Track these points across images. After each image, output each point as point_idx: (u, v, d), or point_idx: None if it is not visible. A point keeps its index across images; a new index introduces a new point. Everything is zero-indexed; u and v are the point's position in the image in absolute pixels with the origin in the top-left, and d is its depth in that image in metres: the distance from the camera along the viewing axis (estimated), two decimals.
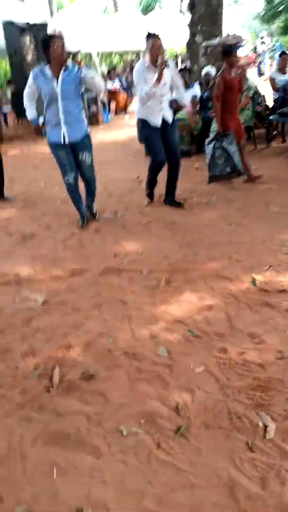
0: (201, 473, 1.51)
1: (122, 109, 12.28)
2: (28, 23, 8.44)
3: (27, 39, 8.46)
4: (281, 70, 6.70)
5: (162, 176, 4.30)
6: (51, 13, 16.21)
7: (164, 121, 3.94)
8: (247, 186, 4.76)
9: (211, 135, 4.90)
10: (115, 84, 12.10)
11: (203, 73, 6.90)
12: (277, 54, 9.81)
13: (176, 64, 13.52)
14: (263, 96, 6.84)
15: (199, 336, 2.30)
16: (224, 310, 2.52)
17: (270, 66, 15.75)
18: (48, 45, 3.30)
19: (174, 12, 20.08)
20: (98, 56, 12.55)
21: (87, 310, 2.63)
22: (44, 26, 8.79)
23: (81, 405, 1.89)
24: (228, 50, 4.43)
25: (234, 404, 1.80)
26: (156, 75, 3.69)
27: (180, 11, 8.90)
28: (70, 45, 3.41)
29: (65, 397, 1.95)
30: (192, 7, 7.53)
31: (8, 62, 10.51)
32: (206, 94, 6.51)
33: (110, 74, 12.34)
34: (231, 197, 4.49)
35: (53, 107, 3.44)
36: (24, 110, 3.71)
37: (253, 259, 3.11)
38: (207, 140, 4.69)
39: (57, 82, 3.36)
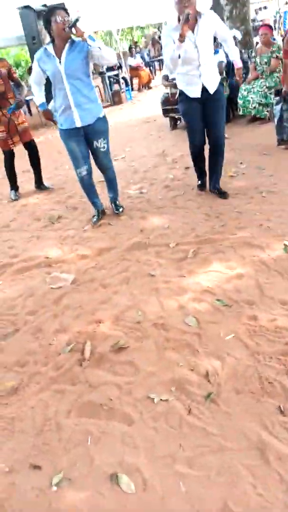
0: (231, 437, 1.50)
1: (145, 85, 12.04)
2: (45, 5, 8.31)
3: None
4: None
5: None
6: None
7: (205, 91, 3.24)
8: (280, 153, 4.56)
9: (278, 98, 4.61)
10: (136, 60, 11.87)
11: None
12: None
13: None
14: None
15: (229, 305, 2.26)
16: (254, 278, 2.46)
17: None
18: (49, 19, 2.92)
19: None
20: (118, 34, 12.31)
21: (115, 286, 2.65)
22: (61, 5, 8.61)
23: (112, 376, 1.92)
24: None
25: (265, 369, 1.76)
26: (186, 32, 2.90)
27: None
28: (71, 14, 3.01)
29: (96, 369, 1.99)
30: None
31: (28, 50, 10.52)
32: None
33: (131, 50, 12.09)
34: (261, 164, 4.32)
35: (60, 89, 3.06)
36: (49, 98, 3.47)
37: (284, 227, 2.99)
38: (275, 101, 4.52)
39: (60, 60, 2.98)
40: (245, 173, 4.18)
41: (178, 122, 6.69)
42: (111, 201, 3.73)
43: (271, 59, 5.75)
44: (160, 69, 14.22)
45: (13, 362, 2.15)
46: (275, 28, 11.85)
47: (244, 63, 6.32)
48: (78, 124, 3.14)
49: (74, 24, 2.79)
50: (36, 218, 4.05)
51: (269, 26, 5.92)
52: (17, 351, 2.22)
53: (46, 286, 2.80)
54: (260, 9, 15.45)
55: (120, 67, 10.90)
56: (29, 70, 11.53)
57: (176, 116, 6.54)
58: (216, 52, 6.32)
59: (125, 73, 11.17)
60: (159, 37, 15.63)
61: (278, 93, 4.67)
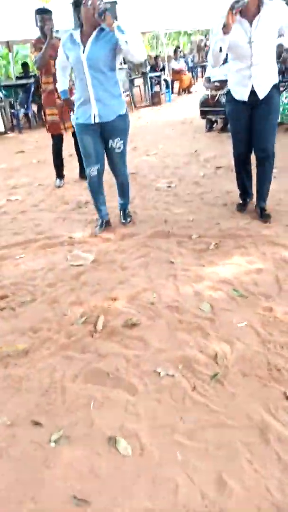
0: (233, 415, 1.49)
1: (186, 89, 12.09)
2: None
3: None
4: None
5: None
6: None
7: (254, 95, 2.81)
8: None
9: None
10: (180, 64, 11.94)
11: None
12: None
13: None
14: None
15: (245, 296, 2.25)
16: (274, 274, 2.44)
17: None
18: (79, 2, 2.65)
19: None
20: (165, 37, 12.44)
21: (134, 269, 2.68)
22: (113, 4, 8.65)
23: (122, 348, 1.94)
24: None
25: (275, 357, 1.75)
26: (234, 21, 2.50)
27: None
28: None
29: (107, 341, 2.01)
30: None
31: None
32: (278, 67, 6.22)
33: (176, 53, 12.18)
34: None
35: (82, 79, 2.76)
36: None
37: None
38: None
39: (84, 48, 2.69)
40: (276, 176, 4.13)
41: (215, 124, 6.69)
42: (120, 208, 3.40)
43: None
44: (203, 76, 14.26)
45: (27, 327, 2.20)
46: None
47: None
48: (97, 119, 2.83)
49: (104, 11, 2.52)
50: (65, 202, 4.12)
51: None
52: (32, 318, 2.27)
53: (67, 263, 2.85)
54: None
55: (163, 69, 11.00)
56: None
57: (213, 119, 6.55)
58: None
59: (167, 75, 11.26)
60: (205, 45, 15.69)
61: None
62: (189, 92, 12.06)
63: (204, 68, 14.11)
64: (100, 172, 3.08)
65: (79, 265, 2.80)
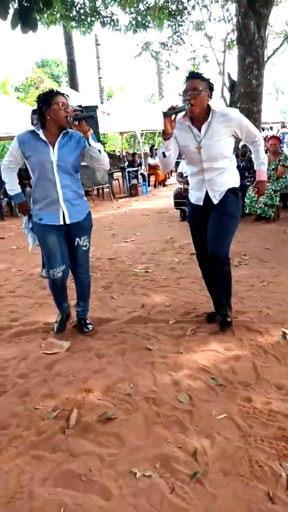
0: None
1: (161, 183, 12.97)
2: (80, 105, 9.38)
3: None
4: None
5: None
6: (101, 102, 18.17)
7: (209, 199, 2.70)
8: (283, 249, 4.76)
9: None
10: (155, 160, 12.95)
11: (240, 144, 7.23)
12: None
13: None
14: None
15: (223, 385, 2.20)
16: (251, 361, 2.43)
17: None
18: (49, 102, 2.53)
19: (215, 97, 21.87)
20: (142, 137, 13.64)
21: (110, 356, 2.62)
22: (94, 107, 9.69)
23: (96, 447, 1.82)
24: None
25: (256, 452, 1.67)
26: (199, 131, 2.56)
27: (221, 96, 9.54)
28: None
29: (80, 438, 1.89)
30: (232, 88, 8.12)
31: None
32: (243, 164, 6.85)
33: (152, 151, 13.27)
34: (264, 257, 4.49)
35: (47, 180, 2.62)
36: None
37: (284, 315, 3.02)
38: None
39: (53, 149, 2.59)
40: (248, 263, 4.32)
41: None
42: (79, 316, 3.05)
43: (279, 166, 6.29)
44: (176, 171, 15.41)
45: None
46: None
47: (253, 169, 6.90)
48: (67, 221, 2.71)
49: (83, 118, 2.52)
50: (42, 287, 4.12)
51: (277, 138, 6.56)
52: (1, 413, 2.14)
53: (40, 351, 2.77)
54: (265, 129, 17.19)
55: (140, 164, 11.88)
56: None
57: (186, 209, 6.94)
58: None
59: (144, 170, 12.13)
60: None
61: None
62: (164, 185, 12.93)
63: (177, 164, 15.32)
64: (66, 273, 2.84)
65: (54, 353, 2.72)
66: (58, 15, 9.65)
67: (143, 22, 9.77)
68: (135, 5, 9.42)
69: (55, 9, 9.16)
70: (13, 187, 2.85)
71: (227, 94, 8.69)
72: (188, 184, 6.63)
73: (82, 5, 9.55)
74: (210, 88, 2.55)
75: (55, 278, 2.81)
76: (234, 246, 4.88)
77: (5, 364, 2.64)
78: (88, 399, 2.19)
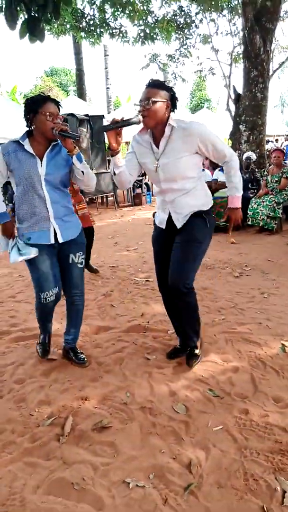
0: None
1: None
2: (87, 115, 9.48)
3: (84, 128, 9.39)
4: None
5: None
6: (108, 112, 18.36)
7: (171, 224, 2.38)
8: (284, 261, 4.75)
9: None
10: None
11: (244, 157, 7.28)
12: None
13: None
14: None
15: (221, 396, 2.19)
16: (249, 373, 2.41)
17: None
18: (36, 110, 2.24)
19: (220, 109, 22.07)
20: None
21: (108, 365, 2.60)
22: (100, 116, 9.80)
23: (90, 455, 1.80)
24: None
25: (252, 465, 1.65)
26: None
27: (227, 109, 9.69)
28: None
29: (74, 446, 1.88)
30: (237, 101, 8.22)
31: None
32: (246, 176, 6.88)
33: None
34: (266, 269, 4.48)
35: (33, 196, 2.33)
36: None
37: (284, 328, 3.01)
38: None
39: (41, 162, 2.31)
40: (249, 275, 4.32)
41: None
42: (69, 345, 2.73)
43: (282, 178, 6.31)
44: None
45: None
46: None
47: (257, 181, 6.94)
48: (59, 239, 2.42)
49: (67, 137, 2.20)
50: None
51: (281, 151, 6.59)
52: None
53: (38, 358, 2.76)
54: (270, 141, 17.31)
55: (144, 174, 11.95)
56: None
57: None
58: (221, 169, 6.92)
59: (148, 180, 12.20)
60: None
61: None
62: None
63: None
64: (58, 296, 2.52)
65: (52, 360, 2.71)
66: (68, 26, 9.82)
67: (151, 34, 9.94)
68: (144, 17, 9.59)
69: (65, 20, 9.33)
70: None
71: (233, 107, 8.78)
72: None
73: (92, 17, 9.73)
74: (172, 98, 2.21)
75: (47, 303, 2.48)
76: (237, 257, 4.93)
77: (2, 369, 2.63)
78: (84, 407, 2.18)
